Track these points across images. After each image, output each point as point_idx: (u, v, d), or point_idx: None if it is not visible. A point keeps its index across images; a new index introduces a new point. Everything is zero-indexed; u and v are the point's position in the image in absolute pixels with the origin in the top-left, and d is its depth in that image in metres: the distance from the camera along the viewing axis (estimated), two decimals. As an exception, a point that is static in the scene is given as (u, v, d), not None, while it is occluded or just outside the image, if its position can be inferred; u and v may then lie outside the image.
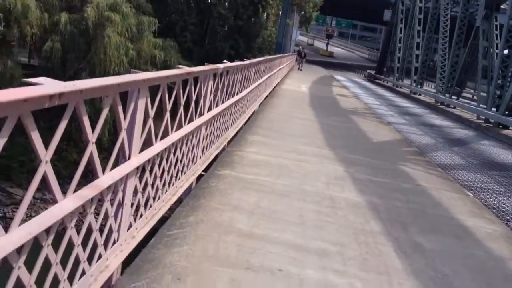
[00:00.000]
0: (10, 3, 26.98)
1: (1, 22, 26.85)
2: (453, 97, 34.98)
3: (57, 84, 2.81)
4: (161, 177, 5.40)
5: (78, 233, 3.47)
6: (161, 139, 5.19)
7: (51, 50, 26.75)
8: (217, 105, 8.34)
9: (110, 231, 4.14)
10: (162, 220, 5.61)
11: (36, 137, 2.74)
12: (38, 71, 29.27)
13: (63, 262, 3.26)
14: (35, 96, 2.58)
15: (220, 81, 8.62)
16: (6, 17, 27.21)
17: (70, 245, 3.40)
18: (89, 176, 3.60)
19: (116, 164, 4.15)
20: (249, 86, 13.18)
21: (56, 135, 2.98)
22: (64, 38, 27.28)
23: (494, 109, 26.65)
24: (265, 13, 41.69)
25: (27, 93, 2.52)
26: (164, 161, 5.46)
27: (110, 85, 3.56)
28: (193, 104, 6.65)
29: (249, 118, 14.02)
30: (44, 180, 2.97)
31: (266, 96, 20.70)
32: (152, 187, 5.10)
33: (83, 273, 3.67)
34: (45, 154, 2.85)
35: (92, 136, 3.47)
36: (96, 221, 3.82)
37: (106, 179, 3.78)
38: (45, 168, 2.88)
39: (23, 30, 27.12)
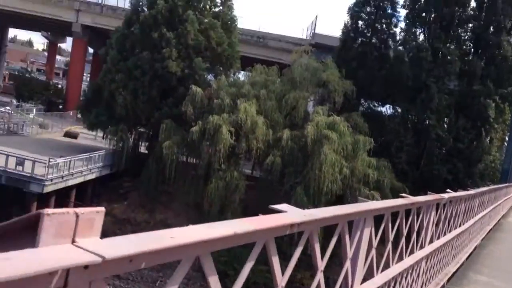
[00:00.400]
0: (241, 119, 30.34)
1: (233, 136, 30.17)
2: None
3: (298, 213, 3.01)
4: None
5: None
6: (381, 271, 4.99)
7: (272, 163, 28.87)
8: (438, 237, 7.83)
9: None
10: None
11: (275, 261, 2.86)
12: (259, 182, 31.61)
13: None
14: (280, 225, 2.73)
15: (443, 212, 8.13)
16: (237, 132, 30.54)
17: None
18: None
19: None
20: (472, 217, 12.16)
21: (291, 261, 3.08)
22: (285, 153, 29.30)
23: None
24: (489, 137, 39.24)
25: (274, 221, 2.68)
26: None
27: (342, 215, 3.70)
28: (414, 235, 6.35)
29: (471, 253, 12.76)
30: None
31: (490, 230, 18.80)
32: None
33: None
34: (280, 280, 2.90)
35: (321, 264, 3.50)
36: None
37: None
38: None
39: (250, 144, 29.98)
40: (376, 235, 4.58)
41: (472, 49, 40.05)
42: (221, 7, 40.08)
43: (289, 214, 2.92)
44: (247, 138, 30.24)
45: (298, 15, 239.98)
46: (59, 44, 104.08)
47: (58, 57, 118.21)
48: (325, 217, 3.35)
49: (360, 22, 40.61)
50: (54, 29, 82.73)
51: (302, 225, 3.00)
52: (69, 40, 77.53)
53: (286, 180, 29.67)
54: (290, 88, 34.35)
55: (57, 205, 29.62)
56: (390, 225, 5.07)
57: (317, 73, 35.12)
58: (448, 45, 37.85)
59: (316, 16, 54.04)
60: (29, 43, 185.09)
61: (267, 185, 30.68)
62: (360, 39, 40.35)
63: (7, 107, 49.99)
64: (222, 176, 29.42)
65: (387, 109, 40.73)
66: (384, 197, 29.19)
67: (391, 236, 5.17)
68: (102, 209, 1.72)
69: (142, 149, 39.63)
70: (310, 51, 39.98)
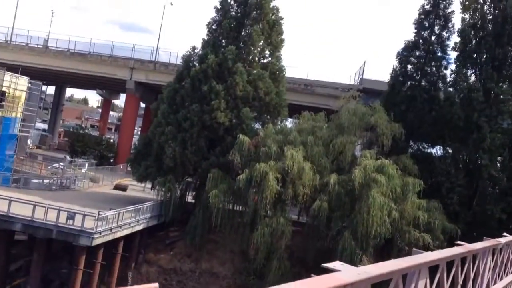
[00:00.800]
0: (288, 166, 30.05)
1: (279, 182, 29.81)
2: None
3: (352, 272, 2.90)
4: None
5: None
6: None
7: (319, 209, 28.24)
8: (495, 282, 7.18)
9: None
10: None
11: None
12: (306, 228, 30.96)
13: None
14: (334, 286, 2.67)
15: (499, 256, 7.51)
16: (283, 178, 30.20)
17: None
18: None
19: None
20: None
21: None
22: (331, 198, 28.64)
23: None
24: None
25: (326, 283, 2.62)
26: None
27: (396, 271, 3.59)
28: (470, 283, 5.84)
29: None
30: None
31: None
32: None
33: None
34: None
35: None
36: None
37: None
38: None
39: (296, 190, 29.56)
40: (431, 286, 4.39)
41: (526, 88, 38.87)
42: (269, 58, 40.66)
43: (342, 274, 2.83)
44: (293, 184, 29.85)
45: (345, 61, 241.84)
46: (113, 101, 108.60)
47: (111, 113, 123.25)
48: (380, 274, 3.23)
49: (409, 66, 40.39)
50: (109, 87, 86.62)
51: (356, 284, 2.87)
52: (123, 96, 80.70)
53: (333, 224, 28.93)
54: (338, 133, 34.02)
55: (104, 257, 29.78)
56: (445, 275, 4.89)
57: (365, 117, 34.72)
58: (500, 84, 36.89)
59: (364, 62, 53.89)
60: (85, 101, 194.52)
61: (313, 230, 29.98)
62: (409, 83, 40.00)
63: (61, 163, 51.75)
64: (268, 223, 28.94)
65: (437, 151, 39.65)
66: (435, 239, 27.94)
67: (447, 286, 4.90)
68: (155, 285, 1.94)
69: (189, 199, 39.81)
70: (358, 96, 39.75)
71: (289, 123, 42.37)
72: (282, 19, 40.29)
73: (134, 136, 68.18)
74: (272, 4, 39.64)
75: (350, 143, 32.92)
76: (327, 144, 33.36)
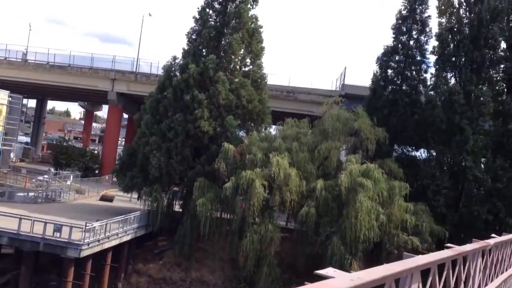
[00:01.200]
0: (274, 172, 30.22)
1: (266, 189, 29.96)
2: None
3: (345, 278, 2.98)
4: None
5: None
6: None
7: (306, 214, 28.41)
8: (486, 285, 7.43)
9: None
10: None
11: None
12: (294, 234, 31.11)
13: None
14: None
15: (489, 257, 7.78)
16: (270, 185, 30.36)
17: None
18: None
19: None
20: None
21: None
22: (319, 204, 28.84)
23: None
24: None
25: None
26: None
27: (389, 275, 3.68)
28: (462, 285, 6.07)
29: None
30: None
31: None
32: None
33: None
34: None
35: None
36: None
37: None
38: None
39: (283, 197, 29.72)
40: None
41: (506, 89, 39.71)
42: (250, 66, 40.82)
43: (336, 281, 2.89)
44: (280, 190, 30.01)
45: (326, 67, 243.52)
46: (95, 112, 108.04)
47: (94, 124, 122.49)
48: (373, 279, 3.31)
49: (390, 71, 40.95)
50: (91, 98, 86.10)
51: (350, 290, 2.98)
52: (105, 107, 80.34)
53: (321, 230, 29.14)
54: (322, 139, 34.27)
55: (93, 269, 29.59)
56: (437, 278, 5.01)
57: (348, 122, 35.06)
58: (480, 86, 37.54)
59: (345, 68, 54.66)
60: (67, 113, 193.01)
61: (302, 236, 30.13)
62: (390, 87, 40.50)
63: (45, 176, 51.28)
64: (257, 230, 29.04)
65: (421, 154, 40.20)
66: (423, 241, 28.30)
67: (439, 288, 5.10)
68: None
69: (177, 208, 39.71)
70: (341, 101, 40.15)
71: (273, 130, 42.58)
72: (261, 27, 40.51)
73: (118, 147, 67.81)
74: (251, 12, 39.83)
75: (335, 149, 33.21)
76: (312, 150, 33.57)
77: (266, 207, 30.09)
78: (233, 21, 39.21)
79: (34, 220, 28.58)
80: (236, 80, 38.63)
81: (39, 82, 67.28)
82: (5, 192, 41.99)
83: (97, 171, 62.92)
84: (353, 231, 26.95)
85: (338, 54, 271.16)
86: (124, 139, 78.33)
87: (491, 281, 7.93)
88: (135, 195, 41.33)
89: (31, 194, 43.39)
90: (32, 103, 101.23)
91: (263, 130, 38.99)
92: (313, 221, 28.61)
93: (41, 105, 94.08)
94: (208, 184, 33.26)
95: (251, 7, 39.95)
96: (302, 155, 32.61)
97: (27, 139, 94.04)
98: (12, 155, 58.92)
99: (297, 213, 29.81)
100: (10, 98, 48.75)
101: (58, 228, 28.17)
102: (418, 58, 40.59)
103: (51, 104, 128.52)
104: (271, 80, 48.23)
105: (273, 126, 42.92)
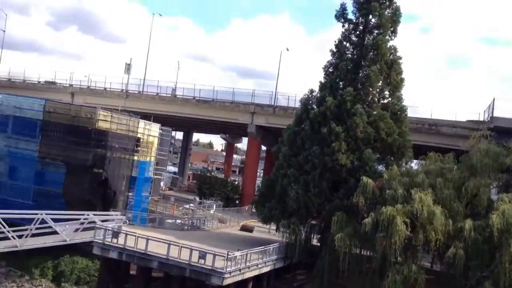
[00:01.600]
0: (417, 210, 28.90)
1: (408, 227, 28.70)
2: None
3: None
4: None
5: None
6: None
7: (454, 256, 26.63)
8: None
9: None
10: None
11: None
12: (441, 277, 29.29)
13: None
14: None
15: None
16: (412, 223, 29.05)
17: None
18: None
19: None
20: None
21: None
22: (467, 245, 26.92)
23: None
24: None
25: None
26: None
27: None
28: None
29: None
30: None
31: None
32: None
33: None
34: None
35: None
36: None
37: None
38: None
39: (427, 236, 28.21)
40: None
41: None
42: (389, 98, 39.99)
43: None
44: (424, 229, 28.56)
45: (471, 99, 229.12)
46: (235, 144, 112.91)
47: (234, 156, 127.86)
48: None
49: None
50: (231, 131, 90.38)
51: None
52: (244, 139, 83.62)
53: (471, 274, 27.04)
54: (469, 175, 32.15)
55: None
56: None
57: (499, 158, 32.57)
58: None
59: (493, 99, 50.86)
60: (210, 145, 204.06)
61: (449, 279, 28.22)
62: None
63: (191, 204, 54.46)
64: (399, 270, 27.79)
65: None
66: None
67: None
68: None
69: (314, 241, 39.64)
70: (490, 135, 37.54)
71: (414, 164, 40.88)
72: (400, 58, 39.49)
73: (257, 178, 69.93)
74: (390, 44, 39.16)
75: (485, 186, 30.92)
76: (458, 187, 31.60)
77: (408, 246, 28.78)
78: (371, 53, 38.85)
79: (181, 247, 30.36)
80: (375, 112, 38.03)
81: (187, 116, 72.61)
82: (156, 218, 45.27)
83: (237, 201, 65.32)
84: (507, 276, 24.73)
85: (485, 84, 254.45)
86: (262, 171, 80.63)
87: None
88: (273, 226, 42.08)
89: (178, 221, 46.33)
90: (179, 135, 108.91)
91: (404, 164, 37.63)
92: (462, 263, 26.68)
93: (187, 137, 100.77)
94: (347, 219, 32.78)
95: (389, 39, 39.36)
96: (447, 192, 30.83)
97: (175, 169, 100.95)
98: (162, 184, 63.54)
99: (443, 254, 28.04)
100: (161, 131, 52.79)
101: (202, 255, 29.60)
102: None
103: (196, 136, 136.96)
104: (412, 112, 46.84)
105: (414, 161, 41.27)
